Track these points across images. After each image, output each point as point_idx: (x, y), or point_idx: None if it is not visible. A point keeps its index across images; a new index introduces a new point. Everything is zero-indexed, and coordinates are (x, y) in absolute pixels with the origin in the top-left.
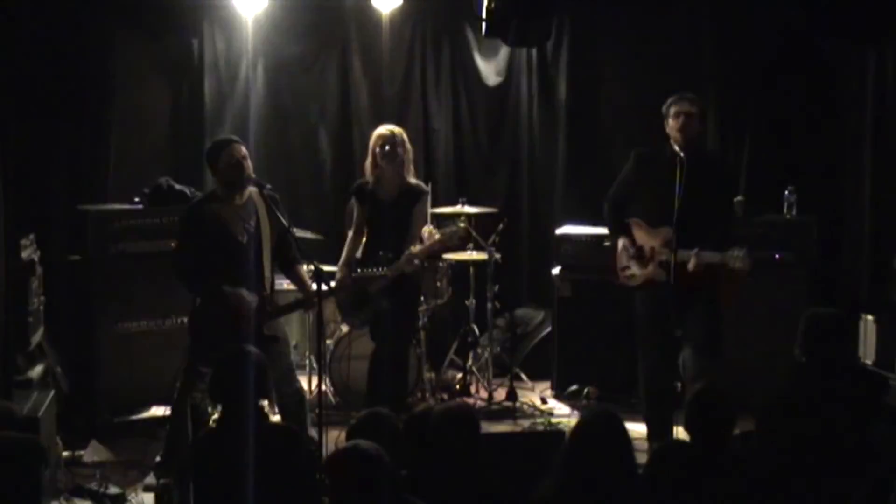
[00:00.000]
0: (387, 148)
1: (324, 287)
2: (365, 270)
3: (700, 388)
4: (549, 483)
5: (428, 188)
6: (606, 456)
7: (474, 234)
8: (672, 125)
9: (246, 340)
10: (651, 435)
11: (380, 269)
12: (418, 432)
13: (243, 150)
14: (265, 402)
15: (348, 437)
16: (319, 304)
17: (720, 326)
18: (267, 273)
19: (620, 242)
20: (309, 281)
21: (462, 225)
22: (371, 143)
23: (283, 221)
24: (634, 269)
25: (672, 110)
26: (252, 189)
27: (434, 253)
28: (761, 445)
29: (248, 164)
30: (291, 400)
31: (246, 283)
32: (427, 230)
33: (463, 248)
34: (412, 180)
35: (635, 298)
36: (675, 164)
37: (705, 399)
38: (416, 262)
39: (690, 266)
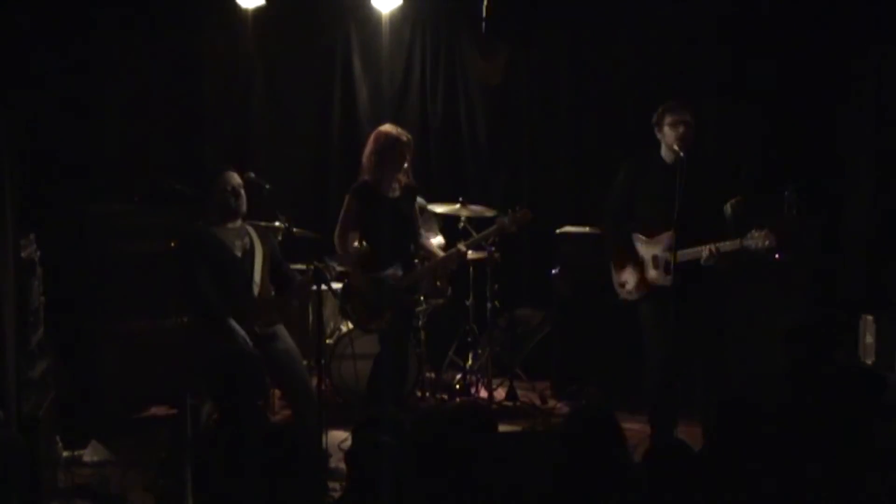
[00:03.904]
0: (407, 154)
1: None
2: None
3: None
4: (545, 479)
5: (415, 185)
6: (598, 451)
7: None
8: (669, 133)
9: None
10: (654, 434)
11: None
12: (429, 431)
13: (236, 178)
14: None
15: (354, 436)
16: (319, 303)
17: (722, 328)
18: (257, 279)
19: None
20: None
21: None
22: (384, 142)
23: (272, 250)
24: (632, 284)
25: (669, 119)
26: (242, 222)
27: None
28: (762, 447)
29: (242, 191)
30: (306, 414)
31: (240, 293)
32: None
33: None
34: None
35: (639, 308)
36: (669, 170)
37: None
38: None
39: (705, 259)
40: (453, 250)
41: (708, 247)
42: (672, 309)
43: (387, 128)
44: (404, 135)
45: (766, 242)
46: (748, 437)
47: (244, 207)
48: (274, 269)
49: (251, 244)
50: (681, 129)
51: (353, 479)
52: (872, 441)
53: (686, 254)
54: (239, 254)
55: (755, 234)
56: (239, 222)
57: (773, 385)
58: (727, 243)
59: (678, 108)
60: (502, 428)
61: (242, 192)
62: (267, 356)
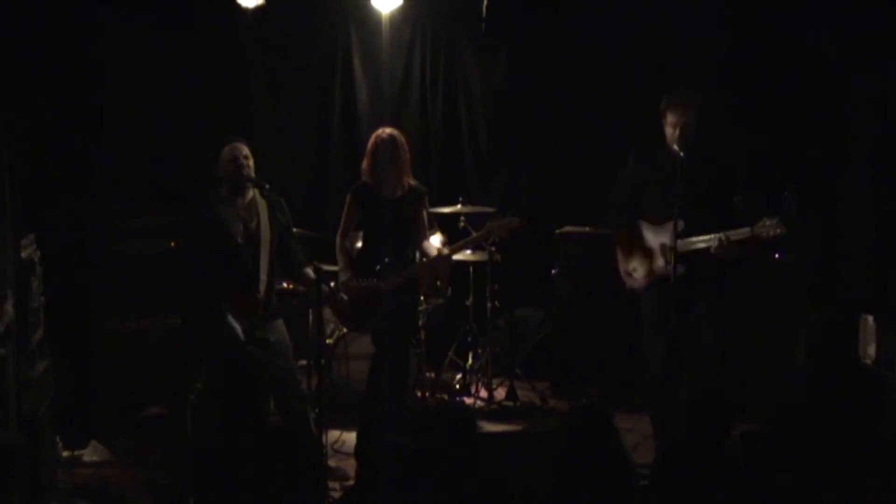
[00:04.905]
0: (390, 151)
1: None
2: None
3: (700, 391)
4: (543, 482)
5: (425, 189)
6: (595, 452)
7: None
8: (668, 130)
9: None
10: (656, 433)
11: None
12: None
13: (244, 149)
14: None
15: (358, 438)
16: (319, 303)
17: (724, 326)
18: (263, 276)
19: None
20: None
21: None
22: (371, 145)
23: (283, 221)
24: (641, 271)
25: (669, 117)
26: (255, 191)
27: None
28: (765, 447)
29: (249, 163)
30: (293, 402)
31: (238, 285)
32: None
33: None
34: (412, 181)
35: (641, 298)
36: (674, 160)
37: (706, 402)
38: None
39: (715, 248)
40: (435, 255)
41: (718, 235)
42: (672, 302)
43: (377, 130)
44: (384, 131)
45: (778, 230)
46: (717, 433)
47: (249, 175)
48: (282, 250)
49: (257, 227)
50: (676, 131)
51: (361, 477)
52: (873, 441)
53: (696, 241)
54: (241, 240)
55: (766, 222)
56: (250, 194)
57: (776, 383)
58: (737, 231)
59: (678, 108)
60: (503, 428)
61: (248, 161)
62: (255, 347)
